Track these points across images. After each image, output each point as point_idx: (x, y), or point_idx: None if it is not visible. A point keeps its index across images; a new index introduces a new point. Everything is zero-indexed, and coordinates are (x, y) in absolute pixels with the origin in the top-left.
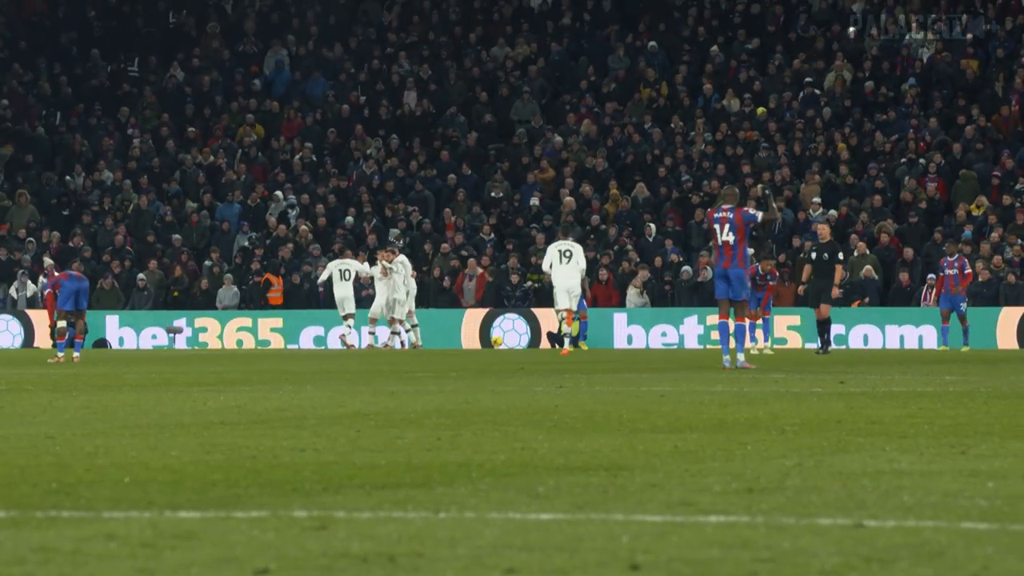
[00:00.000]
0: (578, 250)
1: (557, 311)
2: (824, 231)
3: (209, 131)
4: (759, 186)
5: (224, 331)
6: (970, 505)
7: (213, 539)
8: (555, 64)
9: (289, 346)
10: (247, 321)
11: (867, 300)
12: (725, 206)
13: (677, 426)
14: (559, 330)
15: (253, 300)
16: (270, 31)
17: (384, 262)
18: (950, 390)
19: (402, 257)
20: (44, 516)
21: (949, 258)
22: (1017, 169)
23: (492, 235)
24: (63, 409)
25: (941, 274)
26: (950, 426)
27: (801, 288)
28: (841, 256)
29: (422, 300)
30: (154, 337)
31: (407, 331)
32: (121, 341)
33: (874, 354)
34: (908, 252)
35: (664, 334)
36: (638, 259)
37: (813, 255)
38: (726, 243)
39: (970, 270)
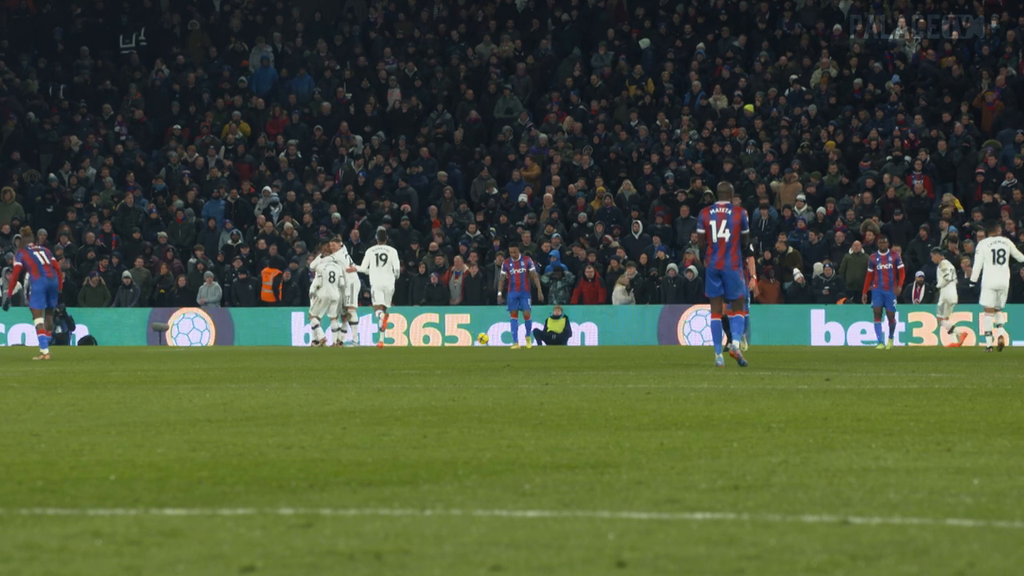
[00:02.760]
0: (393, 254)
1: (375, 307)
2: None
3: (195, 128)
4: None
5: (411, 327)
6: (956, 502)
7: (199, 536)
8: (541, 61)
9: (475, 343)
10: (434, 317)
11: (851, 298)
12: (722, 203)
13: (663, 423)
14: (545, 328)
15: (239, 297)
16: (255, 28)
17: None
18: (935, 387)
19: (337, 254)
20: (29, 514)
21: (881, 253)
22: (1001, 166)
23: (478, 232)
24: (48, 407)
25: (870, 269)
26: (935, 423)
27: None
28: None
29: (409, 297)
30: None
31: (334, 329)
32: (118, 339)
33: (860, 351)
34: (896, 249)
35: (864, 331)
36: (625, 256)
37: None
38: (721, 240)
39: (903, 265)
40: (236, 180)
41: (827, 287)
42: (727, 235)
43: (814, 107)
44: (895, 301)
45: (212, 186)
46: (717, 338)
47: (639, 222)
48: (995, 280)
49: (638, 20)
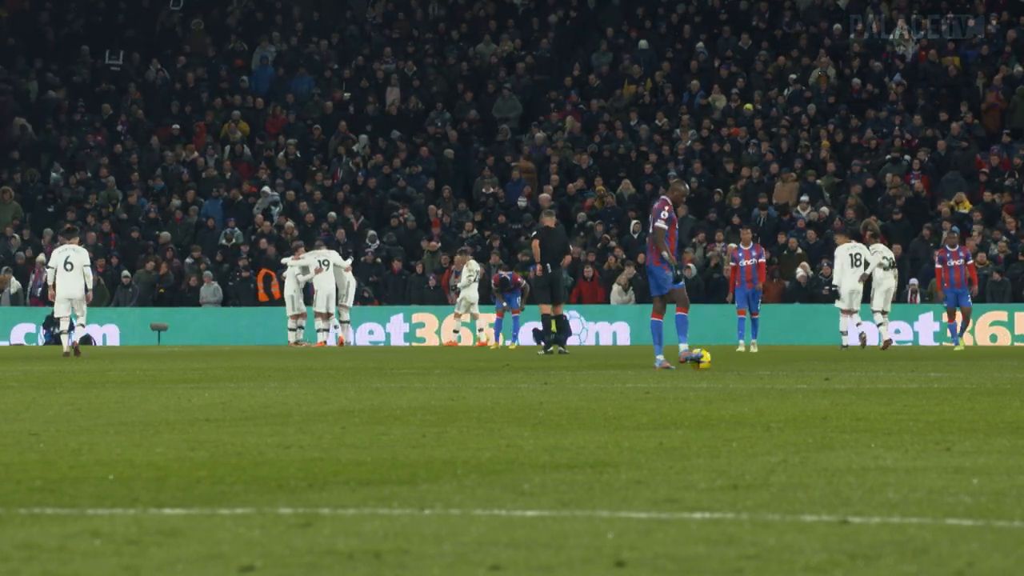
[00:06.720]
0: (334, 256)
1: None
2: (550, 221)
3: (193, 128)
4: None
5: (416, 328)
6: (955, 502)
7: (198, 536)
8: (540, 61)
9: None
10: (433, 316)
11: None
12: (664, 198)
13: (662, 423)
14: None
15: (239, 297)
16: (255, 28)
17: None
18: (935, 387)
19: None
20: (28, 513)
21: (951, 249)
22: (1001, 165)
23: (475, 231)
24: (47, 406)
25: (938, 267)
26: (935, 423)
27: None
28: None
29: (407, 297)
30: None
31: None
32: (105, 338)
33: (859, 350)
34: (896, 249)
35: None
36: (624, 256)
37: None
38: (649, 235)
39: (972, 261)
40: (236, 180)
41: (827, 287)
42: (651, 230)
43: (813, 106)
44: (969, 298)
45: (211, 185)
46: (657, 338)
47: (637, 221)
48: (851, 283)
49: (638, 20)
